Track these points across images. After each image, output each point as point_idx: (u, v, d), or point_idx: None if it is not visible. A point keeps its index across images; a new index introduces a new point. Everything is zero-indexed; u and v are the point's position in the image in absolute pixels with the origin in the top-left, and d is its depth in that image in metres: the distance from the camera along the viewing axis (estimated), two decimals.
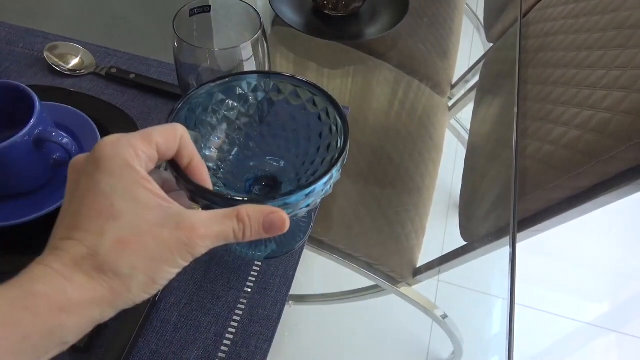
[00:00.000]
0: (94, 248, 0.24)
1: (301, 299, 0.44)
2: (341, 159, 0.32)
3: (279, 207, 0.29)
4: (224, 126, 0.38)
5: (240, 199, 0.28)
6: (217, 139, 0.38)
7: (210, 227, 0.26)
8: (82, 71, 0.56)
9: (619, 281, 1.34)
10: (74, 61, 0.56)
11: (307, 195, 0.30)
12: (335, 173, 0.32)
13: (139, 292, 0.25)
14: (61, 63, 0.55)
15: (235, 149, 0.40)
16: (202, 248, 0.26)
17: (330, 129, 0.36)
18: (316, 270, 0.47)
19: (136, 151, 0.26)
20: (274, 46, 0.68)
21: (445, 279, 0.48)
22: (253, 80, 0.36)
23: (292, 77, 0.36)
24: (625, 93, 0.51)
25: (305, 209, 0.32)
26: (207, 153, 0.38)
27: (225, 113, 0.38)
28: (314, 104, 0.36)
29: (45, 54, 0.56)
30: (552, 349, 1.22)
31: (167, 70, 0.57)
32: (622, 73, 0.53)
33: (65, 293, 0.23)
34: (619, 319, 1.27)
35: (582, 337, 1.24)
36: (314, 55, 0.67)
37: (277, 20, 0.67)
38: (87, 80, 0.55)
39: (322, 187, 0.31)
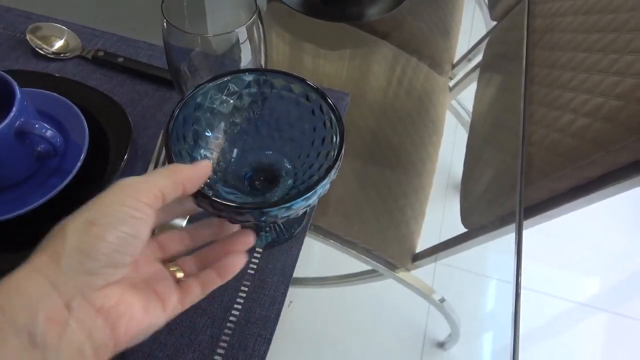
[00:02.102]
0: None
1: (299, 281, 0.43)
2: (337, 162, 0.32)
3: (281, 211, 0.30)
4: (222, 125, 0.38)
5: (249, 207, 0.30)
6: (216, 139, 0.37)
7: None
8: (67, 54, 0.53)
9: (612, 261, 1.34)
10: (59, 43, 0.53)
11: (306, 199, 0.31)
12: (333, 175, 0.32)
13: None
14: (45, 46, 0.52)
15: (234, 148, 0.39)
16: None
17: (325, 124, 0.36)
18: (314, 254, 0.46)
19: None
20: (270, 24, 0.65)
21: (442, 261, 0.48)
22: (248, 77, 0.36)
23: (287, 74, 0.35)
24: (638, 80, 0.49)
25: (305, 209, 0.33)
26: (208, 154, 0.37)
27: (221, 111, 0.37)
28: (307, 99, 0.36)
29: (28, 36, 0.52)
30: (543, 327, 1.23)
31: (157, 53, 0.54)
32: (636, 59, 0.51)
33: None
34: (612, 298, 1.28)
35: (574, 316, 1.25)
36: (311, 33, 0.64)
37: None
38: (72, 65, 0.52)
39: (320, 190, 0.32)
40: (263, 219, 0.32)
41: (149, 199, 0.25)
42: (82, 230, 0.23)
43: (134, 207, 0.24)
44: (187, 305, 0.29)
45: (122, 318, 0.24)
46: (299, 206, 0.31)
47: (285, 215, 0.32)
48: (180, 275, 0.30)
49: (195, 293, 0.30)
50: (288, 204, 0.30)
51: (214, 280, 0.31)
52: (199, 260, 0.32)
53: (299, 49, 0.64)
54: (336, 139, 0.34)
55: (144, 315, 0.26)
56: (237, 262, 0.31)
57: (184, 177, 0.28)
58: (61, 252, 0.23)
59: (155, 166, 0.45)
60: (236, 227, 0.34)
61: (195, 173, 0.29)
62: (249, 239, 0.33)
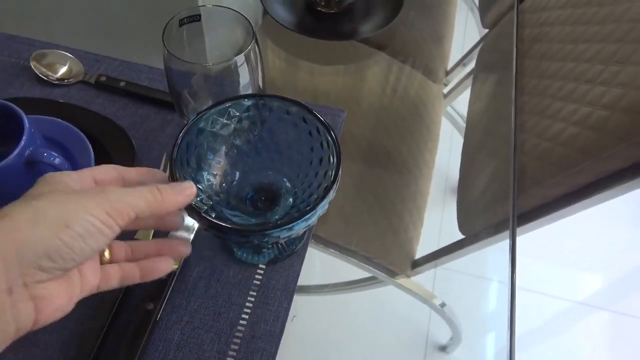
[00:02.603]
0: None
1: (301, 289, 0.44)
2: (335, 183, 0.34)
3: (282, 232, 0.32)
4: (223, 147, 0.39)
5: (253, 229, 0.32)
6: (218, 163, 0.39)
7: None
8: (70, 80, 0.54)
9: (610, 259, 1.35)
10: (62, 70, 0.55)
11: (306, 220, 0.33)
12: (332, 195, 0.34)
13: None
14: (49, 73, 0.54)
15: (236, 170, 0.40)
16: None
17: (322, 144, 0.37)
18: (315, 263, 0.47)
19: None
20: (264, 38, 0.67)
21: (442, 264, 0.49)
22: (247, 102, 0.37)
23: (284, 98, 0.37)
24: (623, 90, 0.51)
25: (305, 228, 0.34)
26: (211, 178, 0.38)
27: (222, 134, 0.39)
28: (304, 120, 0.37)
29: (32, 63, 0.54)
30: (543, 328, 1.24)
31: (158, 76, 0.56)
32: (621, 69, 0.52)
33: None
34: (610, 297, 1.29)
35: (573, 315, 1.26)
36: (306, 45, 0.66)
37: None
38: (76, 90, 0.54)
39: (320, 210, 0.34)
40: (265, 240, 0.33)
41: (122, 221, 0.26)
42: (53, 229, 0.24)
43: (106, 224, 0.26)
44: (102, 290, 0.30)
45: (49, 306, 0.25)
46: (300, 227, 0.33)
47: (286, 235, 0.33)
48: (106, 256, 0.31)
49: (113, 282, 0.30)
50: (289, 225, 0.32)
51: (134, 278, 0.31)
52: (130, 249, 0.33)
53: (294, 59, 0.65)
54: (333, 160, 0.36)
55: (68, 304, 0.27)
56: (162, 268, 0.32)
57: (163, 210, 0.29)
58: (26, 240, 0.23)
59: None
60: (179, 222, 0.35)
61: (175, 205, 0.29)
62: (184, 250, 0.34)
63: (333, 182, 0.34)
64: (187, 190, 0.30)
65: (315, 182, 0.39)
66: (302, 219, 0.32)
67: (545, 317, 1.25)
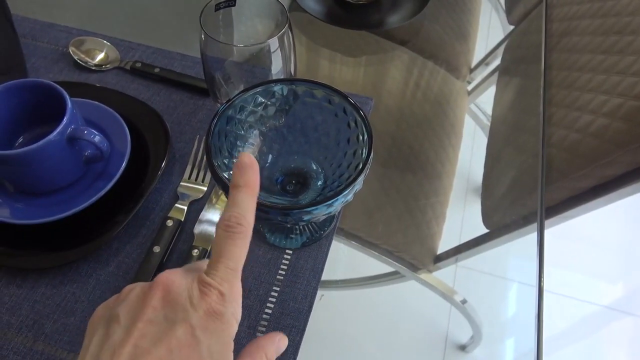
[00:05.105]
0: None
1: (323, 284, 0.45)
2: (369, 160, 0.34)
3: (323, 209, 0.33)
4: (252, 134, 0.40)
5: (296, 207, 0.33)
6: (249, 149, 0.40)
7: None
8: (107, 66, 0.56)
9: (636, 263, 1.32)
10: (100, 56, 0.57)
11: (344, 195, 0.33)
12: (367, 170, 0.34)
13: None
14: (87, 59, 0.56)
15: (265, 156, 0.41)
16: None
17: (349, 124, 0.38)
18: (337, 257, 0.47)
19: None
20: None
21: (463, 263, 0.49)
22: (274, 88, 0.38)
23: (311, 81, 0.38)
24: None
25: (343, 204, 0.35)
26: None
27: (250, 122, 0.39)
28: (330, 102, 0.38)
29: (71, 49, 0.56)
30: (567, 332, 1.22)
31: (190, 63, 0.57)
32: None
33: None
34: (636, 301, 1.26)
35: (598, 319, 1.24)
36: (331, 40, 0.67)
37: (294, 5, 0.67)
38: (112, 75, 0.56)
39: (358, 186, 0.34)
40: (307, 217, 0.34)
41: None
42: None
43: None
44: None
45: None
46: (339, 203, 0.33)
47: (326, 212, 0.34)
48: None
49: None
50: (330, 202, 0.32)
51: None
52: None
53: (317, 56, 0.66)
54: (363, 137, 0.36)
55: None
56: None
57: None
58: None
59: (192, 167, 0.48)
60: None
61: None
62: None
63: (367, 158, 0.34)
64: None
65: (344, 162, 0.39)
66: (342, 194, 0.33)
67: (570, 320, 1.23)
